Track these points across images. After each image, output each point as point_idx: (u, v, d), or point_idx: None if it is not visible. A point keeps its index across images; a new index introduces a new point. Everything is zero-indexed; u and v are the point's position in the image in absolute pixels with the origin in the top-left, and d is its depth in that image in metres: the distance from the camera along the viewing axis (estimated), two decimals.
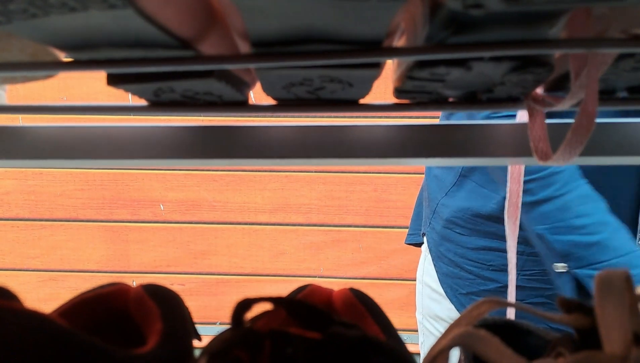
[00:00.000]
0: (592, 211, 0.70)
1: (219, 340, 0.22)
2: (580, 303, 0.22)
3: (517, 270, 0.84)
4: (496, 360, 0.20)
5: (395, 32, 0.23)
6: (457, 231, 0.90)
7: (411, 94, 0.26)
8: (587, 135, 0.21)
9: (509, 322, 0.26)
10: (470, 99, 0.26)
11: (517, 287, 0.85)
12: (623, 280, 0.21)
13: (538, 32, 0.20)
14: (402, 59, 0.24)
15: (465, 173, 0.88)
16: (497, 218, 0.84)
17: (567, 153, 0.22)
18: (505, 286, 0.86)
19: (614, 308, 0.21)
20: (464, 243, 0.89)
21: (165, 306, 0.25)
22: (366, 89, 0.25)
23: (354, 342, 0.22)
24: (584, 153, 0.23)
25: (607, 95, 0.26)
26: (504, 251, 0.86)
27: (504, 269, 0.86)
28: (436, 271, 0.95)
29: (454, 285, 0.91)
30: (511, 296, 0.43)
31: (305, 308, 0.23)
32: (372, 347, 0.22)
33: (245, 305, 0.23)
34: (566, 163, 0.23)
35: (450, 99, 0.27)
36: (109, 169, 2.08)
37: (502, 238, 0.82)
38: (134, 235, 2.08)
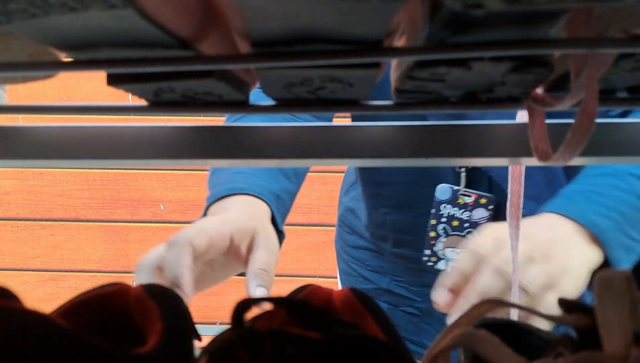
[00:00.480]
0: None
1: (219, 340, 0.22)
2: (580, 303, 0.22)
3: (390, 274, 0.85)
4: (497, 360, 0.20)
5: (396, 32, 0.23)
6: (345, 229, 0.94)
7: (411, 94, 0.26)
8: (587, 135, 0.21)
9: (509, 322, 0.26)
10: (470, 99, 0.26)
11: (388, 291, 0.86)
12: (623, 280, 0.21)
13: (538, 32, 0.20)
14: (402, 59, 0.24)
15: (357, 176, 0.89)
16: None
17: (567, 153, 0.22)
18: (381, 289, 0.87)
19: (614, 308, 0.21)
20: (349, 241, 0.92)
21: (166, 306, 0.25)
22: (367, 89, 0.25)
23: (354, 342, 0.22)
24: (584, 153, 0.23)
25: (607, 95, 0.26)
26: (377, 252, 0.87)
27: (379, 271, 0.87)
28: (338, 269, 0.98)
29: (347, 282, 0.93)
30: (515, 297, 0.43)
31: (305, 308, 0.23)
32: (372, 347, 0.22)
33: (245, 305, 0.23)
34: (566, 163, 0.23)
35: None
36: (109, 170, 2.08)
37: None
38: (134, 235, 2.08)
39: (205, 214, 0.64)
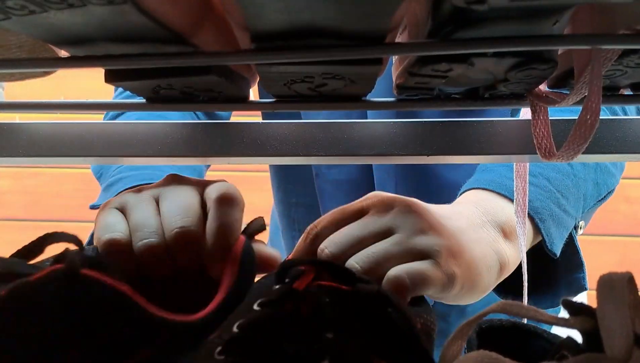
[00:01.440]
0: None
1: (267, 293, 0.28)
2: (585, 306, 0.22)
3: None
4: None
5: (398, 28, 0.22)
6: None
7: (413, 91, 0.26)
8: (591, 132, 0.21)
9: (516, 324, 0.26)
10: (473, 96, 0.26)
11: None
12: (625, 282, 0.21)
13: (541, 28, 0.20)
14: (403, 55, 0.23)
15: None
16: None
17: (571, 150, 0.22)
18: None
19: (615, 310, 0.20)
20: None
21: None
22: (369, 85, 0.24)
23: (374, 295, 0.28)
24: (588, 150, 0.23)
25: (610, 92, 0.26)
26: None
27: None
28: None
29: None
30: (524, 290, 0.41)
31: (333, 267, 0.30)
32: (386, 300, 0.28)
33: (287, 265, 0.29)
34: (570, 160, 0.23)
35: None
36: None
37: None
38: None
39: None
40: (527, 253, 0.42)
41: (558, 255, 0.44)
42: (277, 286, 0.28)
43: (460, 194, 0.45)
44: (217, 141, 0.31)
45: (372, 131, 0.30)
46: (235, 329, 0.26)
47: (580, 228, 0.49)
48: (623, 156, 0.29)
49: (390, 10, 0.18)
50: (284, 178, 0.80)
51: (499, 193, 0.43)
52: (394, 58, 0.26)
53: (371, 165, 0.67)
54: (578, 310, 0.22)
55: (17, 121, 0.32)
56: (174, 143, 0.31)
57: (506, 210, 0.42)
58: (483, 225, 0.40)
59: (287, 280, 0.29)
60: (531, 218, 0.43)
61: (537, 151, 0.24)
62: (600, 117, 0.22)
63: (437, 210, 0.39)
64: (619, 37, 0.20)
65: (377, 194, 0.38)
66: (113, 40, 0.20)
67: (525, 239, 0.40)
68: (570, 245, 0.47)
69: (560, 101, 0.23)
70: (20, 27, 0.19)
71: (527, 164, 0.37)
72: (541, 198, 0.44)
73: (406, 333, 0.27)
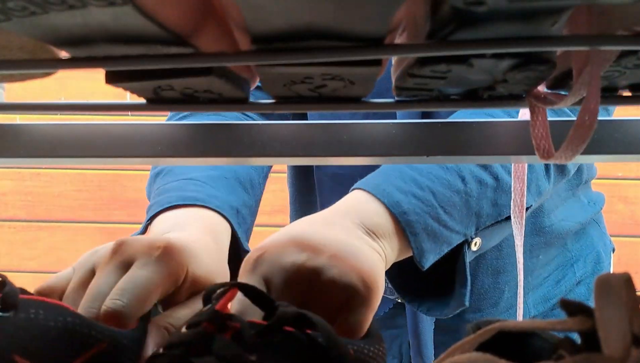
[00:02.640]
0: None
1: (194, 317, 0.30)
2: (583, 305, 0.22)
3: None
4: None
5: (397, 29, 0.23)
6: None
7: (412, 92, 0.26)
8: (590, 133, 0.21)
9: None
10: (472, 97, 0.26)
11: None
12: (622, 282, 0.21)
13: (540, 29, 0.20)
14: (403, 56, 0.24)
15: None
16: None
17: (570, 150, 0.22)
18: None
19: (613, 310, 0.21)
20: None
21: None
22: (368, 86, 0.25)
23: (295, 317, 0.29)
24: (586, 151, 0.23)
25: (609, 92, 0.26)
26: None
27: None
28: None
29: None
30: (520, 298, 0.42)
31: (255, 292, 0.32)
32: (308, 322, 0.29)
33: (213, 289, 0.31)
34: (568, 161, 0.23)
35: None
36: (106, 171, 2.08)
37: None
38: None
39: (146, 227, 0.53)
40: (401, 262, 0.45)
41: (426, 267, 0.46)
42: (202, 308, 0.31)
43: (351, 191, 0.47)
44: (218, 141, 0.31)
45: (372, 131, 0.30)
46: (160, 350, 0.29)
47: (475, 244, 0.50)
48: (621, 157, 0.29)
49: (389, 12, 0.18)
50: (293, 174, 0.80)
51: (378, 199, 0.44)
52: (393, 59, 0.26)
53: None
54: (576, 310, 0.22)
55: (18, 122, 0.32)
56: (174, 143, 0.31)
57: (379, 216, 0.44)
58: (351, 228, 0.42)
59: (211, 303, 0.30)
60: (402, 230, 0.44)
61: (536, 152, 0.24)
62: (599, 118, 0.22)
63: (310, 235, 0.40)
64: (618, 38, 0.20)
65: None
66: (113, 42, 0.20)
67: (522, 239, 0.40)
68: (460, 260, 0.49)
69: (558, 102, 0.23)
70: (21, 29, 0.19)
71: (526, 165, 0.37)
72: (419, 212, 0.45)
73: (331, 355, 0.28)
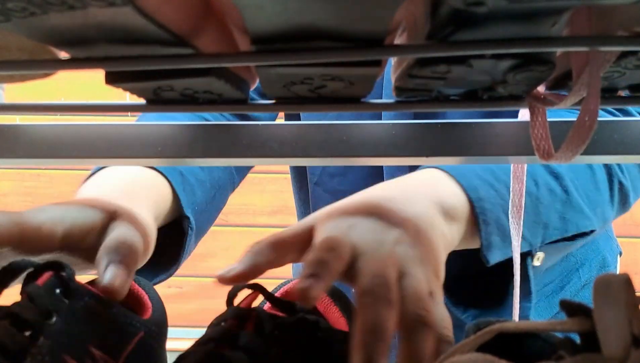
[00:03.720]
0: None
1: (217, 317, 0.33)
2: (582, 306, 0.22)
3: None
4: None
5: (397, 29, 0.23)
6: None
7: (412, 92, 0.26)
8: (590, 133, 0.21)
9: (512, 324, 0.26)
10: (472, 98, 0.26)
11: None
12: (621, 283, 0.21)
13: (540, 30, 0.20)
14: (402, 57, 0.24)
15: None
16: None
17: (570, 151, 0.22)
18: None
19: (612, 311, 0.21)
20: None
21: None
22: (368, 87, 0.25)
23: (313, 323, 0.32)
24: (586, 152, 0.23)
25: (609, 93, 0.26)
26: None
27: None
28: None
29: None
30: (516, 298, 0.41)
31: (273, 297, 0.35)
32: (318, 328, 0.32)
33: (235, 291, 0.34)
34: (568, 161, 0.23)
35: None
36: None
37: None
38: None
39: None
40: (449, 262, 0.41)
41: (491, 262, 0.43)
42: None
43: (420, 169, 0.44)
44: (218, 142, 0.31)
45: (371, 132, 0.30)
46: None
47: (538, 258, 0.48)
48: (621, 158, 0.29)
49: (389, 13, 0.18)
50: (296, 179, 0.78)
51: (456, 180, 0.41)
52: (393, 60, 0.26)
53: (376, 177, 0.64)
54: (575, 311, 0.22)
55: (18, 123, 0.32)
56: (174, 144, 0.31)
57: (456, 198, 0.41)
58: (430, 209, 0.39)
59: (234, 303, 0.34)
60: (476, 217, 0.41)
61: (536, 153, 0.24)
62: (599, 119, 0.22)
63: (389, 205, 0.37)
64: (617, 39, 0.20)
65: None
66: (113, 42, 0.20)
67: (519, 240, 0.39)
68: (523, 272, 0.46)
69: (558, 103, 0.23)
70: (21, 29, 0.19)
71: (525, 166, 0.36)
72: (494, 202, 0.42)
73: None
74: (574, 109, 0.24)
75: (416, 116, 0.57)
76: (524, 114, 0.34)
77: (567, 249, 0.53)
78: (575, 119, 0.23)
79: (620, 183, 0.51)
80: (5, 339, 0.28)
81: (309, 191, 0.72)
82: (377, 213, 0.36)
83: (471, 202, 0.41)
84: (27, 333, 0.29)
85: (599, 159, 0.30)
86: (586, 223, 0.49)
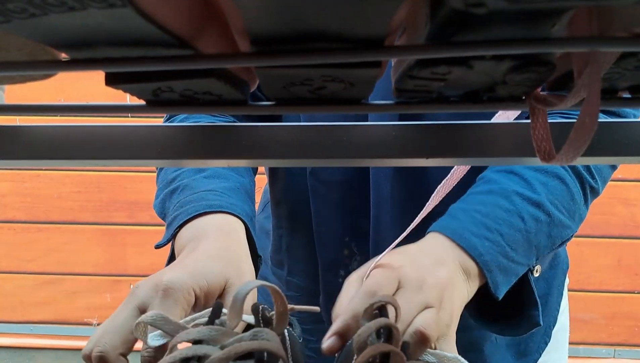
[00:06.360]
0: None
1: None
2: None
3: None
4: None
5: (397, 30, 0.23)
6: None
7: (412, 94, 0.26)
8: (591, 135, 0.21)
9: None
10: (472, 99, 0.26)
11: None
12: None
13: (540, 31, 0.20)
14: (402, 58, 0.24)
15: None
16: None
17: (571, 152, 0.22)
18: None
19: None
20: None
21: None
22: (368, 88, 0.25)
23: None
24: (586, 153, 0.23)
25: (609, 94, 0.26)
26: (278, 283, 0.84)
27: None
28: None
29: None
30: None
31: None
32: None
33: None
34: (570, 163, 0.23)
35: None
36: (106, 172, 2.08)
37: None
38: (131, 238, 2.08)
39: (173, 237, 0.58)
40: (478, 293, 0.54)
41: (500, 298, 0.54)
42: None
43: (428, 232, 0.55)
44: (217, 143, 0.31)
45: (371, 133, 0.30)
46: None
47: (537, 271, 0.59)
48: (622, 159, 0.29)
49: (389, 14, 0.18)
50: (273, 174, 0.81)
51: (457, 243, 0.53)
52: (393, 61, 0.26)
53: (364, 168, 0.69)
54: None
55: (18, 124, 0.32)
56: (173, 145, 0.31)
57: (465, 259, 0.52)
58: (455, 270, 0.51)
59: None
60: (481, 269, 0.52)
61: (537, 154, 0.24)
62: (599, 120, 0.22)
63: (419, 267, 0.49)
64: (617, 40, 0.20)
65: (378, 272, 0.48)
66: (113, 44, 0.20)
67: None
68: (527, 287, 0.57)
69: (559, 104, 0.23)
70: (21, 30, 0.19)
71: (466, 169, 0.46)
72: (492, 252, 0.53)
73: None
74: (574, 110, 0.24)
75: (401, 118, 0.61)
76: (500, 115, 0.37)
77: (555, 253, 0.65)
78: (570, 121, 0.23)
79: (591, 187, 0.62)
80: None
81: (308, 183, 0.73)
82: (406, 283, 0.46)
83: (474, 259, 0.52)
84: None
85: (600, 161, 0.30)
86: (569, 232, 0.60)
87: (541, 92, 0.26)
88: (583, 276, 1.91)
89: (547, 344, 0.74)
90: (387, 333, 0.36)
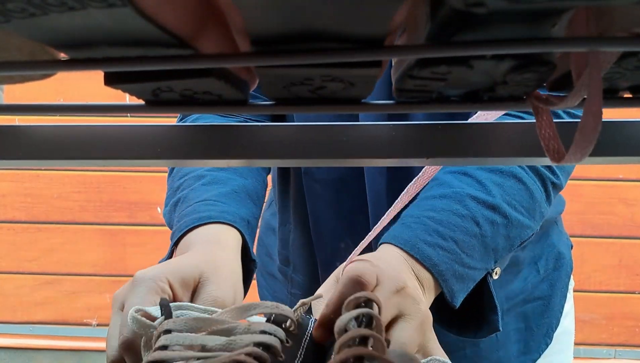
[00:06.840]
0: None
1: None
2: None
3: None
4: None
5: (397, 30, 0.23)
6: (262, 249, 0.91)
7: (412, 93, 0.26)
8: (596, 134, 0.21)
9: None
10: (472, 99, 0.26)
11: None
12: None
13: (540, 31, 0.20)
14: (403, 58, 0.24)
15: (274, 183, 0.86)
16: None
17: (578, 153, 0.22)
18: None
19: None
20: (264, 264, 0.90)
21: None
22: (368, 88, 0.25)
23: None
24: (595, 153, 0.23)
25: (610, 94, 0.26)
26: (285, 282, 0.85)
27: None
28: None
29: None
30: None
31: None
32: None
33: None
34: (577, 162, 0.23)
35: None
36: (106, 172, 2.08)
37: None
38: (131, 238, 2.08)
39: (171, 253, 0.59)
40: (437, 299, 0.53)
41: (458, 305, 0.53)
42: None
43: (381, 244, 0.54)
44: (216, 143, 0.31)
45: (371, 133, 0.30)
46: None
47: (496, 273, 0.58)
48: (624, 159, 0.29)
49: (389, 13, 0.18)
50: (274, 172, 0.81)
51: (411, 254, 0.52)
52: (393, 61, 0.26)
53: (358, 167, 0.69)
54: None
55: (17, 124, 0.32)
56: (173, 145, 0.31)
57: (420, 270, 0.51)
58: (413, 279, 0.50)
59: None
60: (436, 279, 0.52)
61: (546, 153, 0.24)
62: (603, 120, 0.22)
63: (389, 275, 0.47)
64: (617, 39, 0.20)
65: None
66: (113, 44, 0.20)
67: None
68: (486, 290, 0.56)
69: (559, 103, 0.23)
70: (21, 30, 0.19)
71: (437, 169, 0.45)
72: (447, 261, 0.52)
73: None
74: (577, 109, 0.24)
75: (390, 118, 0.61)
76: (478, 116, 0.37)
77: (514, 253, 0.62)
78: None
79: (553, 183, 0.60)
80: None
81: (296, 181, 0.74)
82: (384, 280, 0.45)
83: (429, 270, 0.51)
84: None
85: (601, 161, 0.30)
86: (528, 231, 0.58)
87: (539, 93, 0.26)
88: (583, 277, 1.90)
89: (547, 345, 0.73)
90: (368, 320, 0.36)
